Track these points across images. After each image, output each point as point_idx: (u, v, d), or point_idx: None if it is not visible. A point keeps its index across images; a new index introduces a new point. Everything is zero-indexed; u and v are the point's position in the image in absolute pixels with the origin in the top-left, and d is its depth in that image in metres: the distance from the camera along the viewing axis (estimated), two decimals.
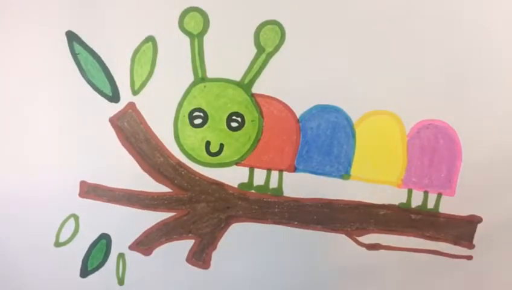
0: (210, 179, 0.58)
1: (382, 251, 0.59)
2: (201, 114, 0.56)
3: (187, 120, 0.56)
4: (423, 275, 0.59)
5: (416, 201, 0.57)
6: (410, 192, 0.57)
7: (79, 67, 0.56)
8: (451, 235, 0.58)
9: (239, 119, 0.56)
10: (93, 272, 0.62)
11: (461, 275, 0.59)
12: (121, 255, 0.61)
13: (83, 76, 0.56)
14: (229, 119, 0.56)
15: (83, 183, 0.59)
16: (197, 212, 0.60)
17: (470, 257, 0.58)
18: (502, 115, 0.54)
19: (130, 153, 0.58)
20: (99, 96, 0.57)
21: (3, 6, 0.55)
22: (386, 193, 0.57)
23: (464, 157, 0.55)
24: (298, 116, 0.56)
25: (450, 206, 0.57)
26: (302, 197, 0.58)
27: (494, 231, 0.57)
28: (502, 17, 0.52)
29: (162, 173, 0.58)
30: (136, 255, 0.61)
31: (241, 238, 0.59)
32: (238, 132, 0.56)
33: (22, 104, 0.58)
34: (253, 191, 0.58)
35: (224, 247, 0.60)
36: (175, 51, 0.55)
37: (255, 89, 0.55)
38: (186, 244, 0.61)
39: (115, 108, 0.57)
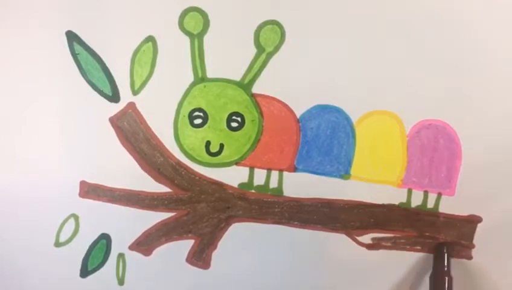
0: (210, 179, 0.58)
1: (382, 251, 0.59)
2: (201, 114, 0.56)
3: (187, 120, 0.56)
4: (423, 275, 0.59)
5: (416, 201, 0.57)
6: (410, 192, 0.57)
7: (79, 67, 0.56)
8: (451, 235, 0.58)
9: (239, 119, 0.56)
10: (93, 272, 0.62)
11: (461, 275, 0.58)
12: (121, 255, 0.61)
13: (83, 76, 0.56)
14: (229, 119, 0.56)
15: (83, 183, 0.59)
16: (197, 212, 0.60)
17: (470, 257, 0.58)
18: (501, 115, 0.54)
19: (130, 153, 0.58)
20: (99, 96, 0.57)
21: (3, 7, 0.55)
22: (386, 192, 0.57)
23: (464, 157, 0.55)
24: (298, 116, 0.56)
25: (449, 206, 0.57)
26: (302, 197, 0.58)
27: (494, 231, 0.57)
28: (501, 17, 0.52)
29: (162, 173, 0.58)
30: (136, 255, 0.61)
31: (241, 238, 0.59)
32: (238, 132, 0.56)
33: (22, 104, 0.58)
34: (253, 191, 0.58)
35: (224, 247, 0.60)
36: (175, 51, 0.55)
37: (255, 89, 0.55)
38: (186, 245, 0.60)
39: (115, 108, 0.57)
